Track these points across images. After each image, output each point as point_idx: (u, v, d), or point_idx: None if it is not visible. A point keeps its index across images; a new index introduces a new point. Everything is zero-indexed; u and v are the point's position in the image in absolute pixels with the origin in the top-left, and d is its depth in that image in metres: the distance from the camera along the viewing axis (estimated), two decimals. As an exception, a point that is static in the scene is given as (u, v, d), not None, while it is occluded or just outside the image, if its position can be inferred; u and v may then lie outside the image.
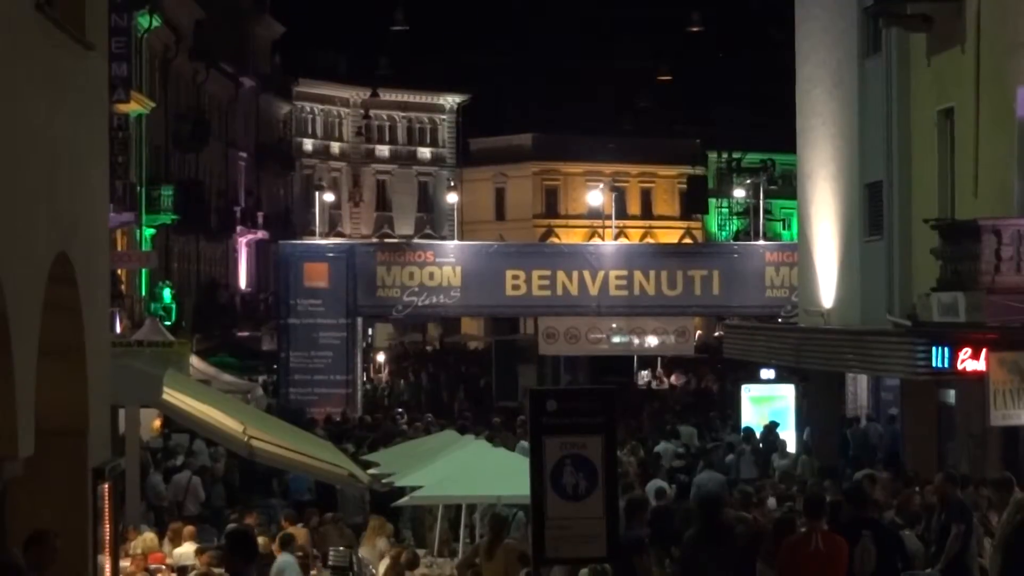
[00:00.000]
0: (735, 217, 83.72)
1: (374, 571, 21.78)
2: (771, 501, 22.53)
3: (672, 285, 46.08)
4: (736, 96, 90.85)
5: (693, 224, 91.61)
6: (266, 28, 78.47)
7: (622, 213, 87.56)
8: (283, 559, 20.21)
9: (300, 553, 21.78)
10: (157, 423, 33.40)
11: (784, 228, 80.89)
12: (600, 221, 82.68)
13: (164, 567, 20.61)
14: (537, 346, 49.51)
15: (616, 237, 79.88)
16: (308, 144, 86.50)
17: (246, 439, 20.94)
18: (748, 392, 37.84)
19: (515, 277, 45.94)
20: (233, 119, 71.07)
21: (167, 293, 51.69)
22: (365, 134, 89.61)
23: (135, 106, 48.32)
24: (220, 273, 66.59)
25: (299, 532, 22.85)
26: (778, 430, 34.07)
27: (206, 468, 29.70)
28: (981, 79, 26.13)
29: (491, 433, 32.77)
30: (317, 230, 78.38)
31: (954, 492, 18.73)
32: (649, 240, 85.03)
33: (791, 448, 33.41)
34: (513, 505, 22.19)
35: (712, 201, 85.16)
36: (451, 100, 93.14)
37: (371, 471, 24.52)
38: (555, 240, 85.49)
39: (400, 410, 44.11)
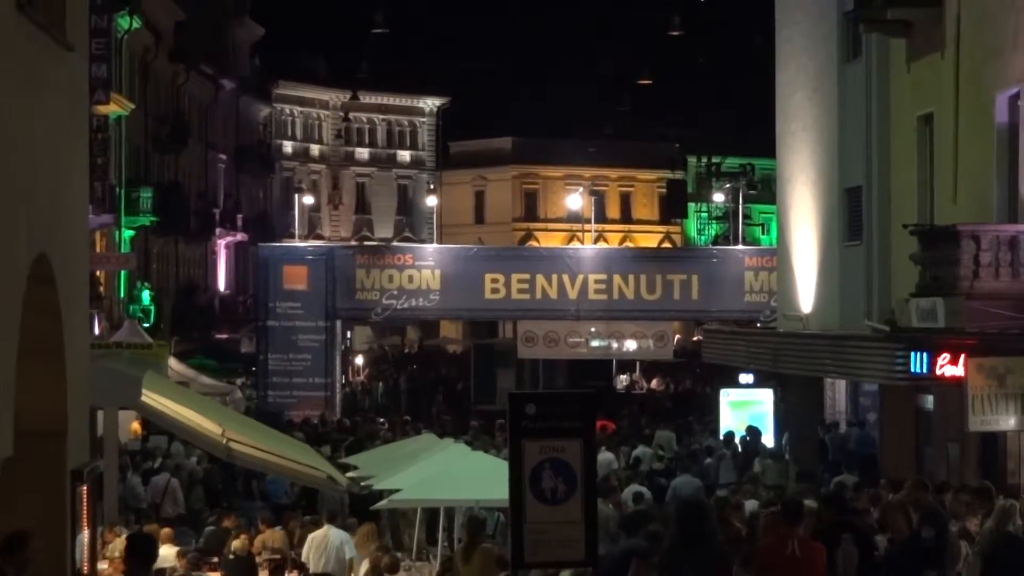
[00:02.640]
0: (714, 221, 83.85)
1: None
2: (750, 504, 22.52)
3: (651, 289, 46.08)
4: (716, 101, 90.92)
5: (672, 228, 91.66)
6: (246, 30, 78.41)
7: (601, 217, 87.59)
8: (335, 533, 21.37)
9: (278, 556, 21.80)
10: (136, 425, 33.36)
11: (763, 233, 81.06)
12: (579, 225, 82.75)
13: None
14: (516, 350, 49.52)
15: (595, 241, 79.92)
16: (288, 146, 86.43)
17: (225, 441, 20.93)
18: (727, 397, 37.87)
19: (494, 280, 45.91)
20: (213, 121, 70.97)
21: (146, 295, 51.61)
22: (345, 137, 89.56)
23: (115, 107, 48.24)
24: (199, 275, 66.50)
25: (276, 535, 22.85)
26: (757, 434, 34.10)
27: (184, 470, 29.64)
28: (960, 85, 26.21)
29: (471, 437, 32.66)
30: (296, 232, 78.29)
31: (926, 497, 18.77)
32: (628, 244, 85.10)
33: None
34: (490, 508, 22.20)
35: (691, 205, 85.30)
36: (430, 103, 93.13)
37: (349, 474, 24.49)
38: (534, 244, 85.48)
39: (382, 420, 44.00)
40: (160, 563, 20.50)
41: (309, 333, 45.08)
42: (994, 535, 16.81)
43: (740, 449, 33.15)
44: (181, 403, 21.37)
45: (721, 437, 34.58)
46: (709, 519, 16.62)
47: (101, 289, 47.13)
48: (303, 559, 21.72)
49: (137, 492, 27.71)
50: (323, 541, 21.70)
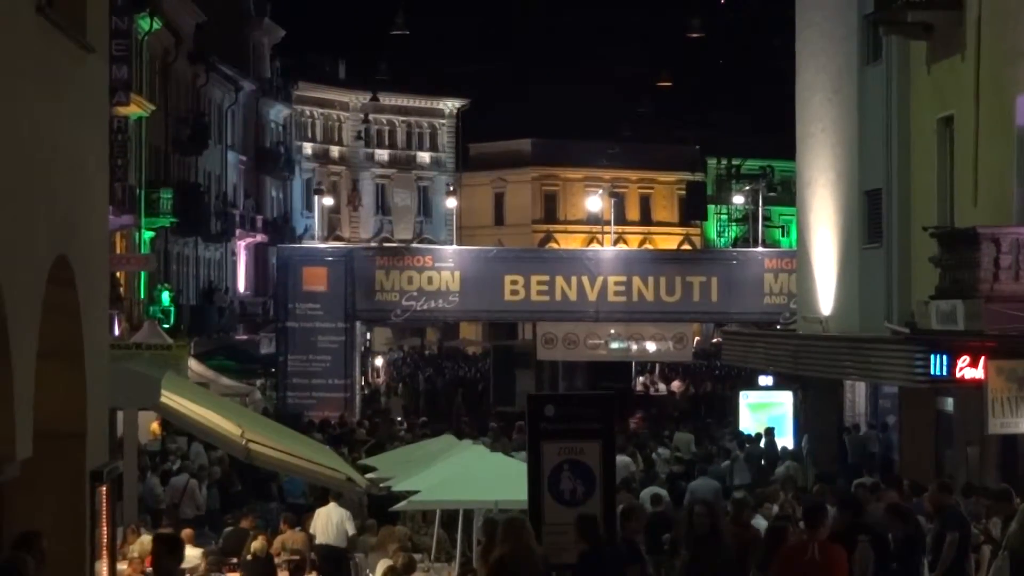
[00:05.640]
0: (734, 224, 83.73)
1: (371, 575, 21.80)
2: (775, 509, 22.46)
3: (671, 291, 46.03)
4: (736, 103, 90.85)
5: (692, 230, 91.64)
6: (266, 32, 78.51)
7: (621, 219, 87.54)
8: (338, 509, 23.17)
9: (297, 556, 21.84)
10: (155, 426, 33.41)
11: (783, 235, 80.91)
12: (599, 227, 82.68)
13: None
14: (535, 351, 49.47)
15: (615, 243, 79.83)
16: (307, 148, 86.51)
17: (244, 442, 20.96)
18: (746, 399, 37.81)
19: (513, 282, 45.90)
20: (233, 122, 71.07)
21: (166, 296, 51.67)
22: (364, 138, 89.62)
23: (135, 109, 48.32)
24: (219, 276, 66.59)
25: (297, 536, 22.90)
26: (775, 437, 34.05)
27: (203, 470, 29.67)
28: (981, 87, 26.15)
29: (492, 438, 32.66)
30: (316, 234, 78.36)
31: (949, 500, 18.72)
32: (648, 246, 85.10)
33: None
34: (510, 510, 22.18)
35: (711, 207, 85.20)
36: (450, 105, 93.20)
37: (369, 475, 24.52)
38: (554, 245, 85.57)
39: (400, 420, 44.03)
40: (184, 563, 20.60)
41: (328, 334, 45.10)
42: (1021, 537, 16.76)
43: (763, 449, 33.07)
44: (200, 404, 21.40)
45: (743, 439, 34.45)
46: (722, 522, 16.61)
47: (121, 290, 47.21)
48: (311, 531, 23.36)
49: (156, 493, 27.73)
50: (327, 516, 23.50)
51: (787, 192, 64.14)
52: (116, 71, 40.82)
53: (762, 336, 38.75)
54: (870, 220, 31.38)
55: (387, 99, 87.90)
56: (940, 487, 19.30)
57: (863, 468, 30.26)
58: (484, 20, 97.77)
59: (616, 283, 46.12)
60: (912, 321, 27.20)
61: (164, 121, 56.57)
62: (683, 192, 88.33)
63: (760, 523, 19.39)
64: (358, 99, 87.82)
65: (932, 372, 24.42)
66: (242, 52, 73.35)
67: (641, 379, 59.46)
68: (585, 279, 46.04)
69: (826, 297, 33.67)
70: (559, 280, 45.99)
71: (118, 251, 47.06)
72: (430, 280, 45.66)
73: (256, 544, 21.48)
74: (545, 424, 15.53)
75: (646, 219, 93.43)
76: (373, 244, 74.39)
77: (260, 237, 72.01)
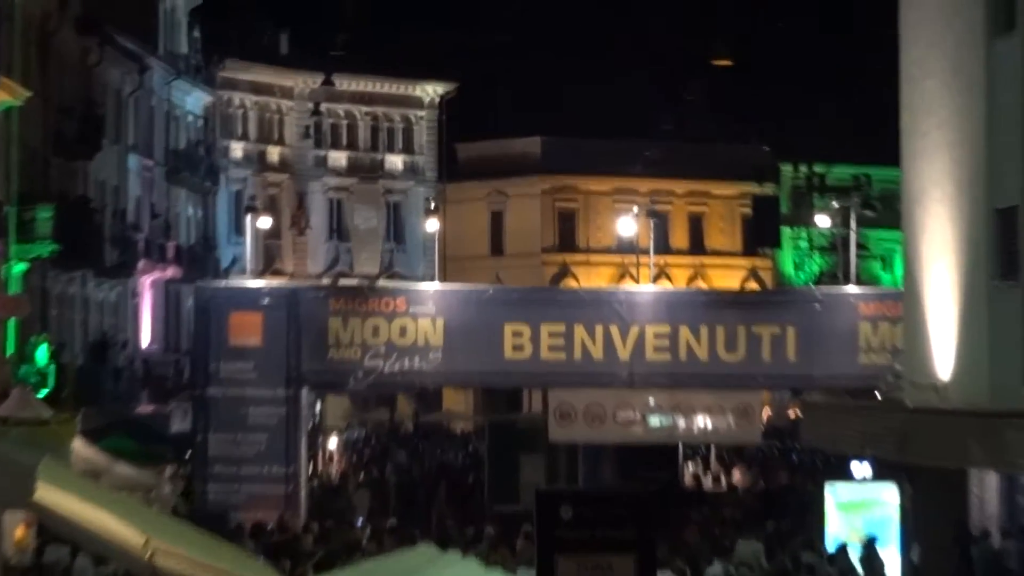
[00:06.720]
0: (817, 253, 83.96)
1: None
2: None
3: (731, 347, 46.10)
4: (818, 90, 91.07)
5: (760, 262, 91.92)
6: (181, -8, 79.00)
7: (663, 247, 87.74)
8: None
9: None
10: (20, 532, 33.41)
11: (884, 269, 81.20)
12: (633, 257, 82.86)
13: None
14: (546, 429, 49.49)
15: (655, 280, 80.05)
16: (237, 149, 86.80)
17: (148, 555, 20.88)
18: (835, 495, 37.79)
19: (517, 334, 45.96)
20: (136, 115, 71.22)
21: (43, 352, 51.71)
22: (315, 136, 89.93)
23: (3, 96, 48.50)
24: (115, 325, 66.65)
25: None
26: (877, 547, 34.06)
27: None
28: None
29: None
30: (248, 267, 78.49)
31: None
32: (700, 284, 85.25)
33: (895, 573, 33.40)
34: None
35: (786, 231, 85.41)
36: (431, 91, 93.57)
37: (319, 600, 24.53)
38: (572, 283, 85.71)
39: (361, 521, 44.04)
40: None
41: (264, 405, 45.12)
42: None
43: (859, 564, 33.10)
44: (89, 501, 21.35)
45: (832, 551, 34.47)
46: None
47: (-18, 344, 47.35)
48: None
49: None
50: None
51: (889, 210, 64.26)
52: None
53: (856, 409, 38.73)
54: (1004, 248, 31.39)
55: (345, 83, 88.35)
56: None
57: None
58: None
59: (657, 335, 46.21)
60: (1062, 388, 27.20)
61: (42, 113, 56.73)
62: (748, 210, 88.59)
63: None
64: (306, 83, 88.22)
65: (1091, 459, 24.40)
66: (148, 20, 73.56)
67: (691, 468, 59.51)
68: (614, 329, 46.12)
69: (944, 355, 33.69)
70: (579, 330, 46.08)
71: (-22, 291, 47.22)
72: (403, 331, 45.76)
73: None
74: (561, 531, 15.51)
75: (697, 247, 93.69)
76: (325, 281, 74.62)
77: (172, 271, 72.13)
